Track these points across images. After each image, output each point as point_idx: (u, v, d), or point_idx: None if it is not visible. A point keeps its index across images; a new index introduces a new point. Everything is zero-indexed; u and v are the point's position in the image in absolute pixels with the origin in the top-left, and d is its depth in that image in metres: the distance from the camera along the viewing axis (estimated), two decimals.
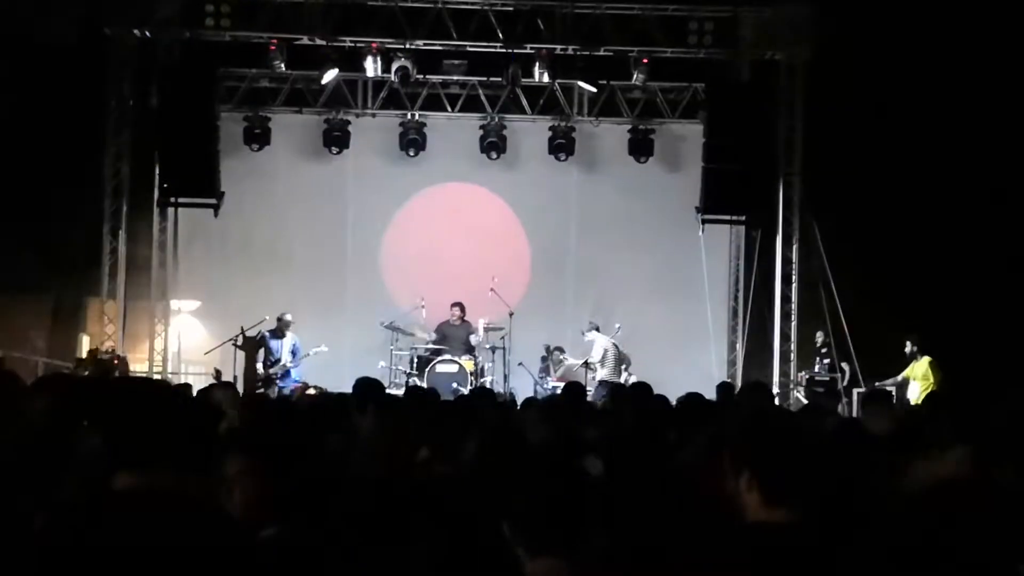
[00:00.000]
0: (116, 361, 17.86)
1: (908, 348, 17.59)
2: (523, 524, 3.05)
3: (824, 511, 3.40)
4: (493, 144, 20.25)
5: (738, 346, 20.56)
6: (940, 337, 17.63)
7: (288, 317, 18.19)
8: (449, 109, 20.50)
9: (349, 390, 8.21)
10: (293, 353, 18.10)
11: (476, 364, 18.18)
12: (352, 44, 18.97)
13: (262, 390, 17.09)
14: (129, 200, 19.20)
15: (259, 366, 17.87)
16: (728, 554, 3.24)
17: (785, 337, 19.53)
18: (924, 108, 18.58)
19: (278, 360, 18.01)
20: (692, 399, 7.96)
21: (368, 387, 8.03)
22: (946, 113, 18.62)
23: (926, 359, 17.39)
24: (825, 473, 3.51)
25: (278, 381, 17.81)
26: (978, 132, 18.78)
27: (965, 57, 18.53)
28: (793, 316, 19.57)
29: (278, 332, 18.10)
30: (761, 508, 3.40)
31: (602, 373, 18.30)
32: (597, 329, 18.77)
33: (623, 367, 18.62)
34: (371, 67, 18.92)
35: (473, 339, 18.47)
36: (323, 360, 18.05)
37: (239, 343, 17.71)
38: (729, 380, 18.91)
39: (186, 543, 3.23)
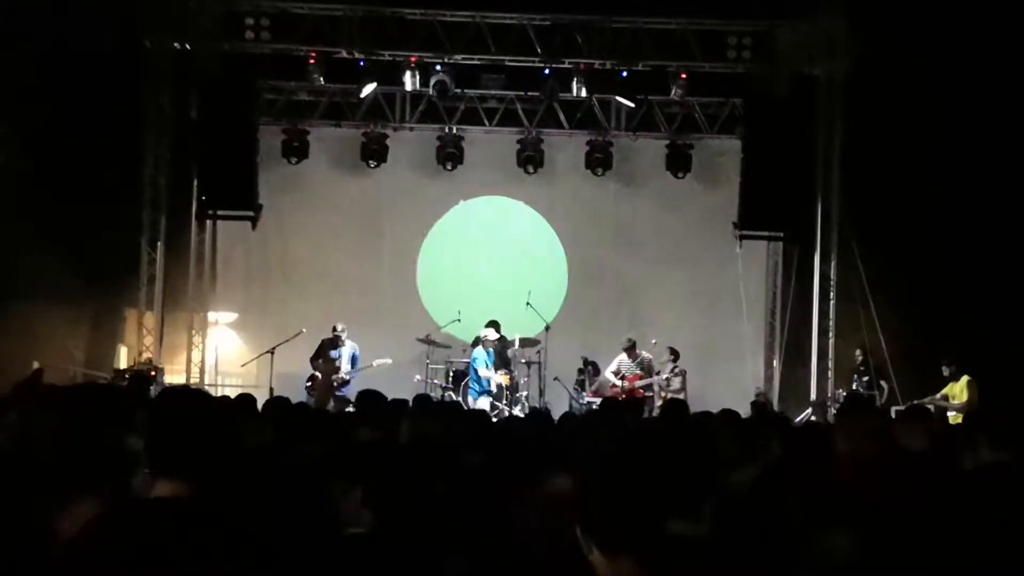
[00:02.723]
0: (153, 372, 17.92)
1: (946, 371, 17.33)
2: (599, 522, 2.89)
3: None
4: (530, 158, 20.24)
5: (775, 362, 20.44)
6: (980, 356, 17.42)
7: (340, 327, 18.02)
8: (487, 123, 20.52)
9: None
10: (352, 363, 17.98)
11: (512, 378, 18.08)
12: (391, 58, 19.03)
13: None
14: (167, 212, 19.25)
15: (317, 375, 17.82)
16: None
17: (822, 354, 19.38)
18: (964, 123, 18.39)
19: (337, 369, 17.92)
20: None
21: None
22: (987, 128, 18.43)
23: (965, 377, 17.19)
24: None
25: (338, 391, 17.45)
26: (1020, 148, 18.59)
27: (1006, 71, 18.35)
28: (831, 333, 19.42)
29: (335, 342, 17.95)
30: None
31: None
32: (631, 347, 18.49)
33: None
34: (409, 81, 18.98)
35: (509, 353, 18.39)
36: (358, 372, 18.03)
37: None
38: (761, 399, 18.79)
39: (222, 551, 3.22)
